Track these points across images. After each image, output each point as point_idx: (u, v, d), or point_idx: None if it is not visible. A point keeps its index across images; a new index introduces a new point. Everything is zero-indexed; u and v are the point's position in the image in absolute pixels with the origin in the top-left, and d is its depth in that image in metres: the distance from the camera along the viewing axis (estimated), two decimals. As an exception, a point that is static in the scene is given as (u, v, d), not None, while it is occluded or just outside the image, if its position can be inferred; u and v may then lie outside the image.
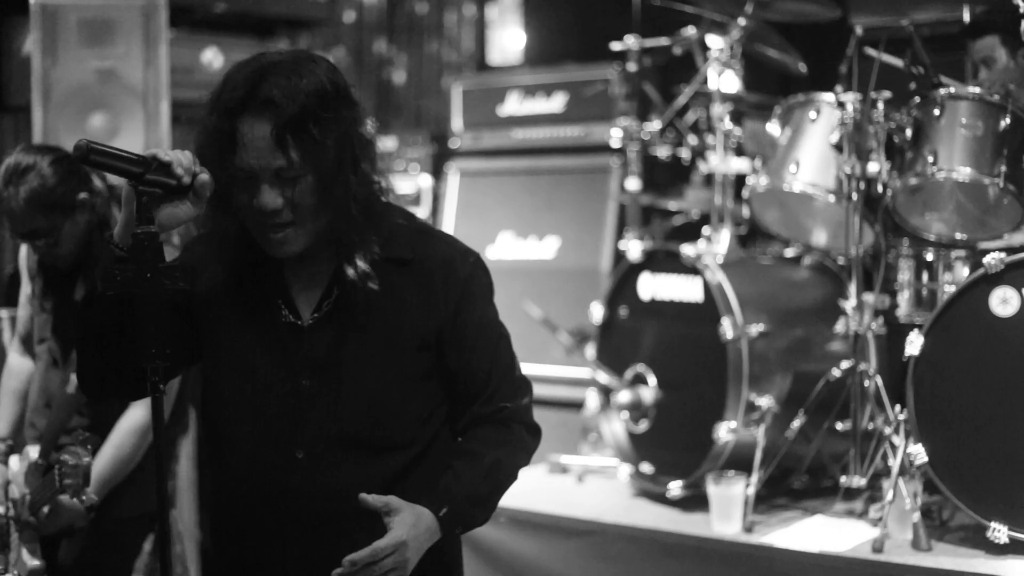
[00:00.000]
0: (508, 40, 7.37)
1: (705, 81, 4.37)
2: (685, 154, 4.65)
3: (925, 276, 3.88)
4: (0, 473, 3.41)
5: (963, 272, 3.76)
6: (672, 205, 4.95)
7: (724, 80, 4.31)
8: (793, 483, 4.13)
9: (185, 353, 2.38)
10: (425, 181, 5.71)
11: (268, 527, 2.32)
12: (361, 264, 2.27)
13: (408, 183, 5.74)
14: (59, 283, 3.45)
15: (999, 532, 3.36)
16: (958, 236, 3.88)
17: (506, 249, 5.45)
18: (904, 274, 3.90)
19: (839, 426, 3.90)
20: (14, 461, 3.43)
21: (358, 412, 2.30)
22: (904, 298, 3.90)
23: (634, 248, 4.33)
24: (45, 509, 3.16)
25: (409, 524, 2.20)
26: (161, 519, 2.13)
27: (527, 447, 2.44)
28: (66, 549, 3.44)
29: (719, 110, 4.29)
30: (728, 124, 4.30)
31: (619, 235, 4.86)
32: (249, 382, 2.33)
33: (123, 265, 2.08)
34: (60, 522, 3.21)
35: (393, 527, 2.18)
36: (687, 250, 4.10)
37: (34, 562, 3.30)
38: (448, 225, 5.61)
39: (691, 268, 4.10)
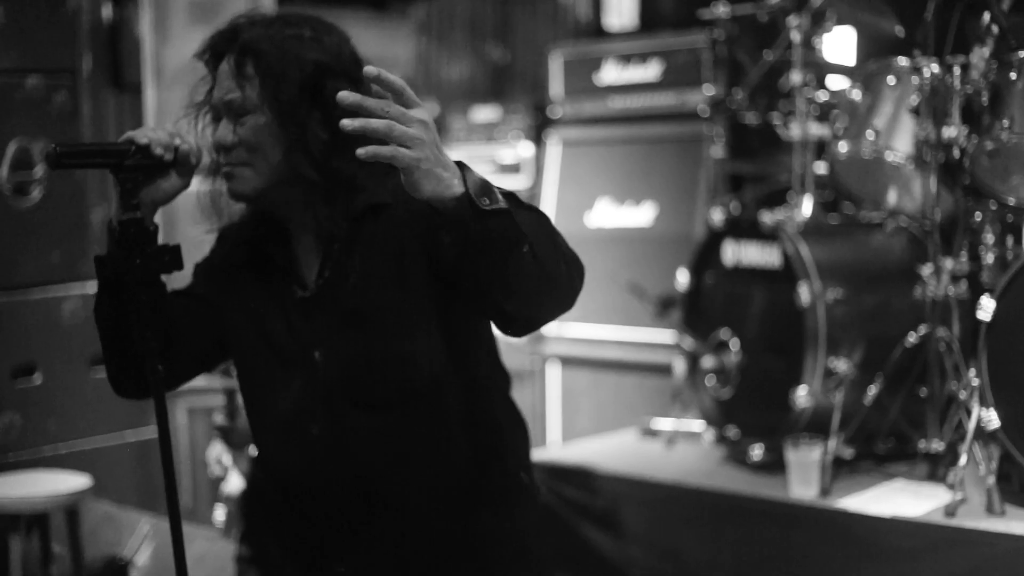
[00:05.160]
0: (624, 5, 7.36)
1: (790, 47, 4.37)
2: (774, 121, 4.64)
3: (1010, 240, 3.85)
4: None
5: (1051, 237, 3.73)
6: (761, 172, 4.96)
7: (808, 46, 4.31)
8: (878, 448, 4.13)
9: (214, 350, 2.34)
10: (526, 150, 5.78)
11: (301, 510, 2.27)
12: (337, 226, 2.17)
13: (509, 152, 5.82)
14: None
15: (1070, 498, 3.35)
16: (1050, 201, 3.83)
17: (604, 216, 5.52)
18: (989, 239, 3.88)
19: (922, 392, 3.90)
20: None
21: (363, 374, 2.17)
22: (988, 263, 3.87)
23: (717, 215, 4.38)
24: None
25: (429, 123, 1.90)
26: (171, 506, 2.05)
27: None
28: None
29: (798, 76, 4.29)
30: (811, 90, 4.31)
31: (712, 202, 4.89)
32: (268, 365, 2.26)
33: (113, 252, 2.08)
34: None
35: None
36: (766, 217, 4.14)
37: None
38: (549, 193, 5.69)
39: (770, 235, 4.13)
